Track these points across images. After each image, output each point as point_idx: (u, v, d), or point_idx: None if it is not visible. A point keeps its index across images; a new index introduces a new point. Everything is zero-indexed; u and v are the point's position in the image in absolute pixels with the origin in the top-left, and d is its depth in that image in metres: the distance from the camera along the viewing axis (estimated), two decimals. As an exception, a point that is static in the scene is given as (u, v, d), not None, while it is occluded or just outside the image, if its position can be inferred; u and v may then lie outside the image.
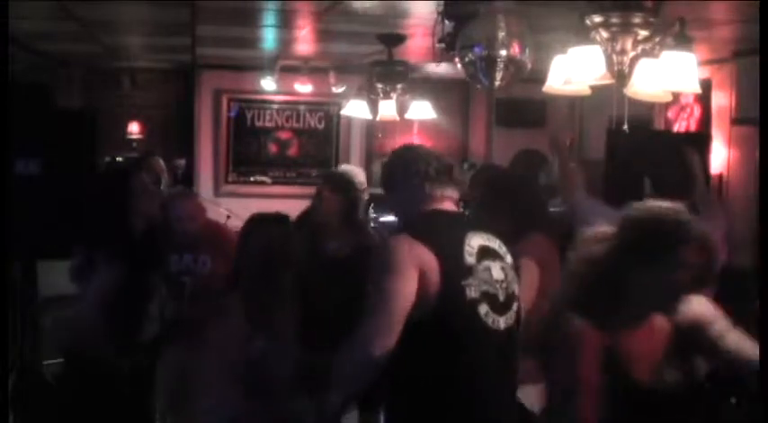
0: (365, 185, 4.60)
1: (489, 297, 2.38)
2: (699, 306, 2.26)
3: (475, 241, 2.49)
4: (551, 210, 4.16)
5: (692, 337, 2.21)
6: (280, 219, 3.07)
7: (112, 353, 3.54)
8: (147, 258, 3.70)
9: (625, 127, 2.77)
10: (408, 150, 2.97)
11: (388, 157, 2.98)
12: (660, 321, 2.22)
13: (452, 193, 2.63)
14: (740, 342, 2.23)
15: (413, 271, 2.32)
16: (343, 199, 4.10)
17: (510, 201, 3.18)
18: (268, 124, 7.95)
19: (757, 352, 2.18)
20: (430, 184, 2.61)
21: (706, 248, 2.11)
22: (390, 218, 5.20)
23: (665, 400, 2.15)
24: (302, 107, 7.94)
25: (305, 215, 4.34)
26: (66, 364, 3.93)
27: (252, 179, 7.94)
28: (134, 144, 7.72)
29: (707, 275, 2.16)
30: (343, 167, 6.28)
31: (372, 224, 5.56)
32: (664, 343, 2.20)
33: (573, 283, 2.34)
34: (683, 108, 5.65)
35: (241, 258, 2.96)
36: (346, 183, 4.25)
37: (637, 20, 2.63)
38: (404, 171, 2.74)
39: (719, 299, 3.55)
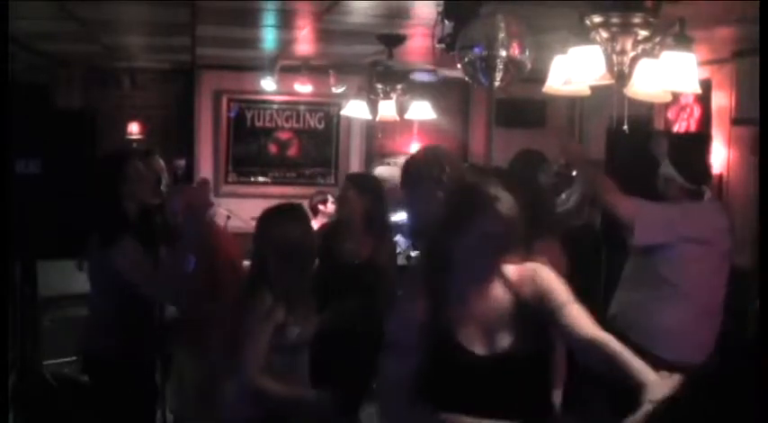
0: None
1: None
2: (542, 276, 2.32)
3: None
4: (556, 211, 4.17)
5: (533, 307, 2.27)
6: (296, 208, 3.23)
7: (117, 348, 3.53)
8: (143, 242, 3.67)
9: (625, 127, 2.78)
10: (425, 153, 3.06)
11: (410, 156, 3.08)
12: (496, 288, 2.28)
13: None
14: (578, 316, 2.27)
15: None
16: (367, 201, 4.04)
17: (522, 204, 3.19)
18: (268, 124, 7.95)
19: (595, 333, 2.22)
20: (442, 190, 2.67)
21: (503, 218, 2.19)
22: (401, 217, 5.21)
23: (496, 369, 2.20)
24: (302, 107, 7.95)
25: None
26: (81, 362, 3.93)
27: (252, 179, 7.94)
28: (134, 144, 7.72)
29: (508, 244, 2.25)
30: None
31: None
32: (498, 311, 2.26)
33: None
34: (682, 108, 5.65)
35: (265, 248, 3.06)
36: (372, 185, 4.21)
37: (637, 20, 2.64)
38: (417, 173, 2.80)
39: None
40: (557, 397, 3.05)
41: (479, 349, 2.23)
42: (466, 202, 2.26)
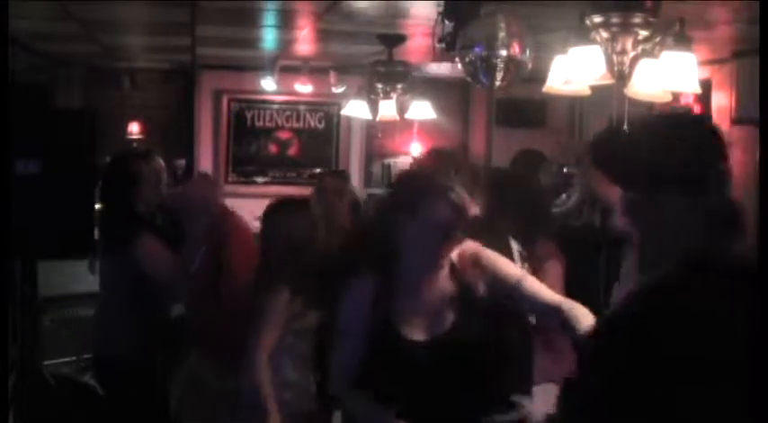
0: None
1: None
2: (486, 258, 2.35)
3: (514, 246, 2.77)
4: (554, 211, 4.18)
5: (477, 290, 2.30)
6: (302, 202, 3.37)
7: (132, 349, 3.52)
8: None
9: (625, 127, 2.78)
10: (431, 157, 3.11)
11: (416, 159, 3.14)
12: (442, 275, 2.30)
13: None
14: (538, 286, 2.32)
15: None
16: (352, 196, 4.10)
17: (516, 206, 3.21)
18: (268, 124, 7.94)
19: (553, 298, 2.27)
20: None
21: (455, 206, 2.22)
22: None
23: (436, 355, 2.22)
24: (302, 107, 7.94)
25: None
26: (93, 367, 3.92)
27: (252, 179, 7.94)
28: (134, 144, 7.71)
29: (458, 231, 2.27)
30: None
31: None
32: (442, 297, 2.29)
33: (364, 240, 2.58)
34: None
35: (273, 240, 3.16)
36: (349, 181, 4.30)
37: (637, 20, 2.64)
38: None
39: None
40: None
41: (420, 336, 2.25)
42: (417, 188, 2.29)
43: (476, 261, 2.33)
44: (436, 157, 3.16)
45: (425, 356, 2.22)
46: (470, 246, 2.35)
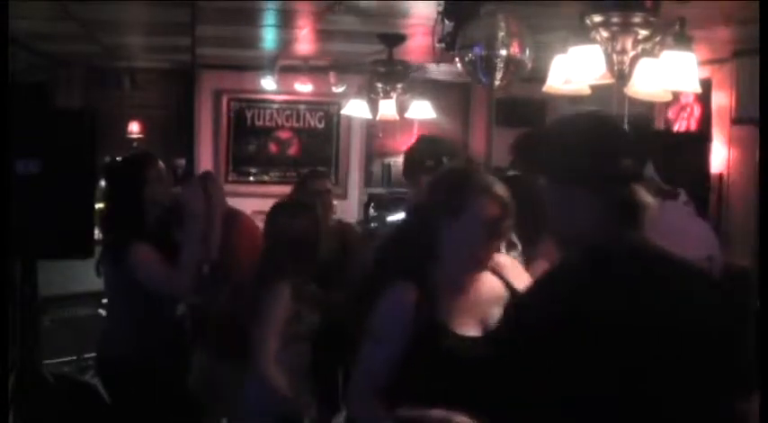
0: None
1: None
2: (521, 272, 2.35)
3: None
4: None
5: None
6: (306, 205, 3.39)
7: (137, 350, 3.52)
8: (156, 243, 3.66)
9: (625, 127, 2.79)
10: (419, 143, 3.10)
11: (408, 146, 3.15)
12: (487, 274, 2.27)
13: None
14: None
15: None
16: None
17: (516, 206, 3.21)
18: (268, 124, 7.95)
19: None
20: None
21: (500, 202, 2.18)
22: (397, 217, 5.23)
23: (491, 359, 2.11)
24: (302, 107, 7.94)
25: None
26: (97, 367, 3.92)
27: (252, 179, 7.94)
28: (134, 144, 7.72)
29: (504, 229, 2.24)
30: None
31: (374, 224, 5.57)
32: (491, 295, 2.25)
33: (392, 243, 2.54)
34: (683, 108, 5.65)
35: (276, 241, 3.19)
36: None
37: (637, 19, 2.64)
38: (411, 164, 2.84)
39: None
40: None
41: (474, 332, 2.20)
42: (461, 186, 2.22)
43: (513, 268, 2.32)
44: (426, 144, 3.14)
45: (481, 351, 2.16)
46: (505, 256, 2.35)
